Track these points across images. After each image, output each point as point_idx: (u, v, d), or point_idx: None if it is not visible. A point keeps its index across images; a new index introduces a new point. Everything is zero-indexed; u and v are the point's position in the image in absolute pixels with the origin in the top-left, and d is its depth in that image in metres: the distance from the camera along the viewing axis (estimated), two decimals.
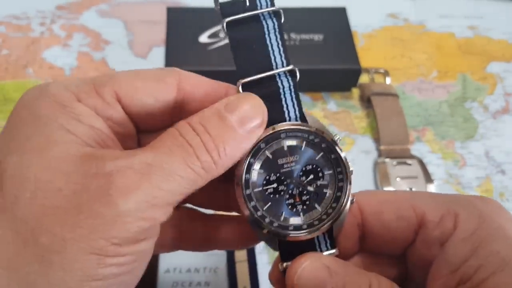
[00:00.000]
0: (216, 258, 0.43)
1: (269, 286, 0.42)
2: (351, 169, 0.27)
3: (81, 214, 0.21)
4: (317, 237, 0.27)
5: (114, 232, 0.21)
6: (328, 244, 0.27)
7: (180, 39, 0.54)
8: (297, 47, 0.54)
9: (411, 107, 0.55)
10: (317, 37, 0.56)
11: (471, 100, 0.57)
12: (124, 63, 0.57)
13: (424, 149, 0.52)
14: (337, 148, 0.26)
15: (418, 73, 0.59)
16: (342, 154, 0.26)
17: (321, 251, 0.27)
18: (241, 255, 0.43)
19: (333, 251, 0.27)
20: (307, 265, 0.25)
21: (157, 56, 0.58)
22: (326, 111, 0.55)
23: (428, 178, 0.48)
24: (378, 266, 0.29)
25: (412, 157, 0.50)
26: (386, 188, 0.47)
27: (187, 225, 0.30)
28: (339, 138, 0.27)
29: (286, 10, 0.60)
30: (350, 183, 0.27)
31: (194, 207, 0.32)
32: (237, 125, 0.24)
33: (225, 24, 0.26)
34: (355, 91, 0.57)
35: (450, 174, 0.50)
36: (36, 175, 0.21)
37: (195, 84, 0.27)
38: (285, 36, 0.55)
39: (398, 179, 0.48)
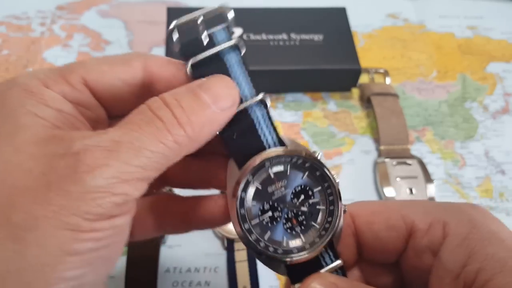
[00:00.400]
0: (216, 258, 0.44)
1: (269, 286, 0.42)
2: (337, 181, 0.27)
3: (50, 192, 0.21)
4: (321, 253, 0.27)
5: (85, 208, 0.21)
6: (332, 257, 0.27)
7: (181, 39, 0.54)
8: (297, 47, 0.55)
9: (411, 107, 0.56)
10: (317, 37, 0.56)
11: (470, 100, 0.57)
12: None
13: (424, 149, 0.52)
14: (319, 164, 0.27)
15: (418, 73, 0.59)
16: (325, 169, 0.27)
17: (327, 264, 0.27)
18: (241, 255, 0.43)
19: (338, 262, 0.27)
20: (316, 285, 0.26)
21: None
22: (326, 111, 0.55)
23: (428, 178, 0.48)
24: (376, 275, 0.30)
25: (412, 157, 0.50)
26: (386, 188, 0.47)
27: (165, 209, 0.30)
28: (319, 153, 0.27)
29: (286, 10, 0.60)
30: (339, 194, 0.27)
31: (172, 189, 0.32)
32: (211, 101, 0.24)
33: (189, 66, 0.26)
34: (355, 91, 0.57)
35: (449, 174, 0.50)
36: (6, 158, 0.22)
37: (162, 65, 0.27)
38: (285, 37, 0.55)
39: (398, 179, 0.48)
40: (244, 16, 0.57)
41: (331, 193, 0.27)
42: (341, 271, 0.28)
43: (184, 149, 0.24)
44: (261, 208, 0.27)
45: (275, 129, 0.27)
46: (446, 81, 0.58)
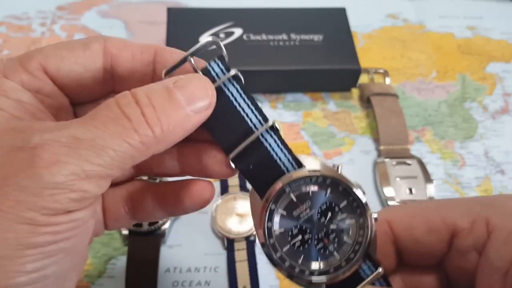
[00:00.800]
0: (216, 257, 0.44)
1: (269, 285, 0.42)
2: (363, 190, 0.27)
3: (6, 186, 0.21)
4: (360, 266, 0.27)
5: (42, 203, 0.21)
6: (371, 267, 0.27)
7: (181, 40, 0.54)
8: (297, 48, 0.55)
9: (411, 107, 0.56)
10: (317, 37, 0.56)
11: (470, 100, 0.57)
12: None
13: (424, 149, 0.52)
14: (340, 177, 0.27)
15: (417, 73, 0.59)
16: (348, 182, 0.27)
17: (367, 276, 0.27)
18: (241, 255, 0.43)
19: (378, 270, 0.27)
20: None
21: None
22: (325, 111, 0.55)
23: (428, 178, 0.48)
24: (419, 278, 0.29)
25: (411, 157, 0.50)
26: (385, 188, 0.47)
27: (139, 196, 0.29)
28: (338, 167, 0.27)
29: (286, 11, 0.60)
30: (366, 205, 0.27)
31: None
32: (185, 102, 0.23)
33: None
34: (355, 91, 0.57)
35: (449, 174, 0.50)
36: None
37: (121, 47, 0.26)
38: (285, 37, 0.55)
39: (397, 179, 0.48)
40: (244, 16, 0.57)
41: (358, 205, 0.27)
42: (383, 279, 0.27)
43: (150, 150, 0.23)
44: (290, 233, 0.27)
45: (289, 151, 0.27)
46: (445, 81, 0.58)
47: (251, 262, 0.43)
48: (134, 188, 0.29)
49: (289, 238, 0.27)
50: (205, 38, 0.27)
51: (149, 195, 0.29)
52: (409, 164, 0.49)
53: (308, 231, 0.27)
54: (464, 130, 0.54)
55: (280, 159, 0.27)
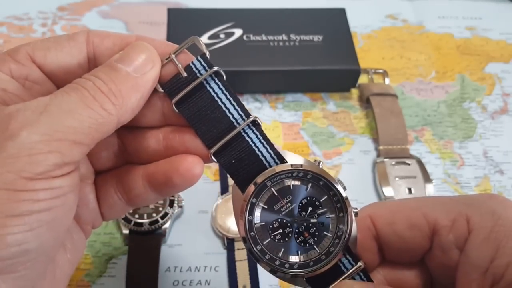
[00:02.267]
0: (216, 257, 0.44)
1: (268, 285, 0.42)
2: (343, 185, 0.27)
3: None
4: (339, 259, 0.27)
5: (21, 165, 0.21)
6: (351, 261, 0.27)
7: (181, 40, 0.54)
8: (297, 48, 0.55)
9: (410, 107, 0.56)
10: (317, 38, 0.56)
11: (469, 101, 0.57)
12: None
13: (423, 149, 0.52)
14: (321, 172, 0.27)
15: (416, 74, 0.59)
16: (328, 177, 0.27)
17: (347, 270, 0.27)
18: (241, 254, 0.43)
19: (359, 264, 0.27)
20: None
21: None
22: (325, 112, 0.55)
23: (427, 178, 0.48)
24: (401, 275, 0.29)
25: (411, 157, 0.50)
26: (385, 188, 0.48)
27: (129, 180, 0.30)
28: (320, 162, 0.28)
29: (286, 11, 0.61)
30: (347, 199, 0.27)
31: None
32: (129, 68, 0.25)
33: (173, 106, 0.27)
34: (354, 92, 0.57)
35: (448, 174, 0.51)
36: None
37: (103, 36, 0.28)
38: (285, 37, 0.55)
39: (397, 179, 0.48)
40: (244, 17, 0.57)
41: (338, 200, 0.27)
42: (364, 273, 0.28)
43: (115, 117, 0.24)
44: (271, 227, 0.27)
45: (272, 146, 0.27)
46: (445, 82, 0.59)
47: (251, 262, 0.43)
48: (123, 173, 0.30)
49: (270, 232, 0.27)
50: (204, 38, 0.28)
51: (139, 177, 0.29)
52: (409, 164, 0.49)
53: (288, 224, 0.27)
54: (463, 130, 0.54)
55: (262, 154, 0.27)
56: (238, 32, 0.56)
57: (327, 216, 0.27)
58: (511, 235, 0.24)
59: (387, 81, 0.58)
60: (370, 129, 0.54)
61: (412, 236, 0.27)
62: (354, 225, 0.27)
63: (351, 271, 0.27)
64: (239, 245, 0.44)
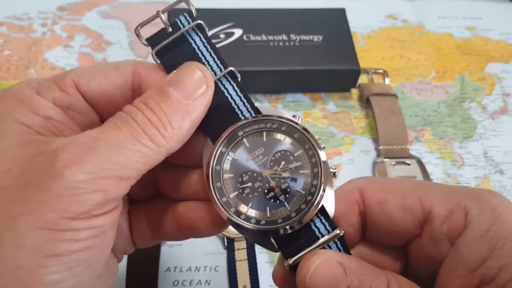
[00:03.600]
0: (216, 257, 0.44)
1: (268, 285, 0.42)
2: (319, 140, 0.26)
3: (29, 189, 0.21)
4: (314, 223, 0.25)
5: (64, 205, 0.21)
6: (328, 227, 0.25)
7: None
8: (297, 48, 0.55)
9: (410, 107, 0.56)
10: (317, 38, 0.56)
11: (469, 101, 0.57)
12: None
13: (423, 149, 0.52)
14: (297, 126, 0.26)
15: (416, 74, 0.59)
16: (303, 130, 0.26)
17: (323, 235, 0.25)
18: (241, 254, 0.43)
19: (336, 232, 0.25)
20: (319, 263, 0.24)
21: None
22: (325, 112, 0.55)
23: (427, 178, 0.48)
24: (379, 257, 0.28)
25: (410, 157, 0.50)
26: None
27: (158, 217, 0.30)
28: (299, 116, 0.26)
29: (286, 11, 0.60)
30: (323, 154, 0.26)
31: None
32: (181, 95, 0.24)
33: (154, 54, 0.27)
34: (354, 92, 0.57)
35: (448, 174, 0.51)
36: None
37: (150, 69, 0.27)
38: (285, 37, 0.55)
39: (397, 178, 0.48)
40: (244, 17, 0.57)
41: (313, 154, 0.26)
42: (341, 242, 0.26)
43: (163, 149, 0.24)
44: (240, 180, 0.26)
45: (248, 99, 0.27)
46: (444, 82, 0.59)
47: (251, 262, 0.43)
48: (156, 209, 0.30)
49: (238, 184, 0.26)
50: None
51: (169, 216, 0.29)
52: (408, 164, 0.49)
53: (259, 178, 0.26)
54: (463, 130, 0.54)
55: (238, 107, 0.26)
56: (238, 32, 0.56)
57: (300, 171, 0.26)
58: (509, 237, 0.23)
59: (387, 81, 0.58)
60: (370, 129, 0.54)
61: (402, 219, 0.25)
62: (331, 187, 0.26)
63: (326, 237, 0.25)
64: (239, 245, 0.44)
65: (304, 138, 0.26)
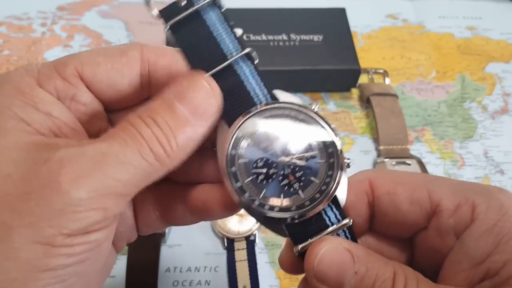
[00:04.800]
0: (216, 257, 0.44)
1: (269, 285, 0.42)
2: (337, 131, 0.26)
3: (30, 200, 0.20)
4: (325, 211, 0.26)
5: (63, 222, 0.20)
6: (338, 216, 0.26)
7: None
8: (297, 48, 0.55)
9: (410, 107, 0.56)
10: (317, 37, 0.56)
11: (469, 101, 0.57)
12: None
13: (423, 149, 0.52)
14: (315, 115, 0.26)
15: (417, 74, 0.59)
16: (321, 121, 0.26)
17: (332, 224, 0.26)
18: (241, 255, 0.43)
19: (346, 220, 0.26)
20: (327, 249, 0.24)
21: None
22: (325, 111, 0.55)
23: None
24: (385, 248, 0.28)
25: (411, 157, 0.50)
26: None
27: (168, 199, 0.29)
28: (315, 105, 0.26)
29: (286, 11, 0.60)
30: (337, 145, 0.26)
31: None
32: (190, 114, 0.23)
33: (168, 27, 0.26)
34: (355, 92, 0.57)
35: (449, 174, 0.51)
36: None
37: (158, 53, 0.26)
38: (285, 37, 0.55)
39: None
40: (244, 17, 0.57)
41: (330, 145, 0.26)
42: (349, 231, 0.26)
43: (165, 167, 0.23)
44: (255, 165, 0.25)
45: (265, 83, 0.26)
46: (445, 82, 0.59)
47: (251, 262, 0.43)
48: (163, 193, 0.29)
49: (253, 170, 0.25)
50: None
51: (179, 199, 0.28)
52: (409, 164, 0.49)
53: (274, 165, 0.25)
54: (463, 130, 0.54)
55: (254, 90, 0.26)
56: (238, 32, 0.55)
57: (316, 160, 0.26)
58: None
59: (387, 81, 0.58)
60: (371, 129, 0.54)
61: (410, 211, 0.26)
62: (345, 178, 0.26)
63: (336, 226, 0.25)
64: (239, 245, 0.44)
65: (321, 127, 0.26)
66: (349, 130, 0.53)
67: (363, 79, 0.57)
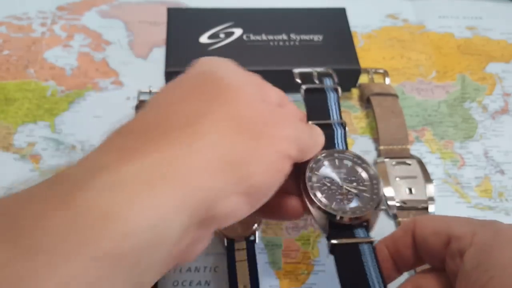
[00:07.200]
0: (216, 257, 0.44)
1: (269, 285, 0.42)
2: (379, 179, 0.35)
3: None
4: (357, 229, 0.33)
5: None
6: (365, 233, 0.33)
7: (181, 40, 0.54)
8: (297, 48, 0.55)
9: (410, 107, 0.56)
10: (317, 37, 0.56)
11: (470, 101, 0.57)
12: (125, 64, 0.58)
13: (423, 149, 0.52)
14: (371, 167, 0.36)
15: (417, 74, 0.59)
16: (374, 172, 0.35)
17: (359, 236, 0.32)
18: (241, 255, 0.43)
19: (370, 237, 0.32)
20: None
21: (158, 56, 0.58)
22: None
23: (427, 178, 0.48)
24: (425, 278, 0.32)
25: (411, 157, 0.50)
26: (385, 188, 0.47)
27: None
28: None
29: (286, 11, 0.60)
30: (381, 191, 0.35)
31: None
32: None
33: (303, 90, 0.40)
34: (355, 91, 0.57)
35: (449, 174, 0.51)
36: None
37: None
38: (285, 37, 0.55)
39: (397, 179, 0.48)
40: (244, 17, 0.57)
41: (377, 188, 0.35)
42: (371, 245, 0.32)
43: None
44: (323, 179, 0.35)
45: (346, 142, 0.37)
46: (445, 81, 0.59)
47: (251, 262, 0.43)
48: None
49: (322, 181, 0.35)
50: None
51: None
52: (409, 164, 0.49)
53: (335, 185, 0.35)
54: (463, 130, 0.54)
55: (337, 142, 0.37)
56: (238, 31, 0.56)
57: (364, 194, 0.34)
58: (500, 248, 0.27)
59: (387, 81, 0.58)
60: (371, 129, 0.54)
61: (433, 242, 0.31)
62: (379, 214, 0.34)
63: (363, 237, 0.32)
64: (239, 245, 0.44)
65: (374, 176, 0.35)
66: (349, 130, 0.53)
67: (363, 79, 0.57)
